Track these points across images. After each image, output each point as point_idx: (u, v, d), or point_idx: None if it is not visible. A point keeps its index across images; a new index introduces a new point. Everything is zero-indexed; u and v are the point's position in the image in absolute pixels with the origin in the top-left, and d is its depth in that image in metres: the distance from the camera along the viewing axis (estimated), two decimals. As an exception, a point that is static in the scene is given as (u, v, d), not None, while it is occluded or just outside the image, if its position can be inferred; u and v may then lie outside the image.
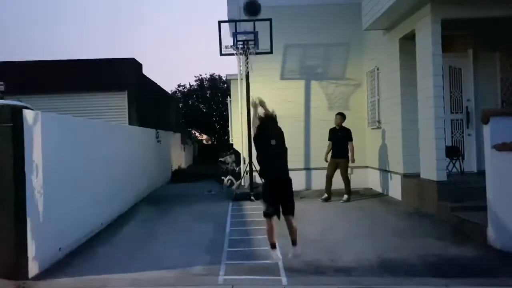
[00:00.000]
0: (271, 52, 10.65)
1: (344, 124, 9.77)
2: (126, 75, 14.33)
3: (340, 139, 9.61)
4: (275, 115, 5.47)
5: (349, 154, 9.56)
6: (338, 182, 9.75)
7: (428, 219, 7.39)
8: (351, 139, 9.64)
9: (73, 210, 6.15)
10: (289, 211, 5.21)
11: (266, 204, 5.18)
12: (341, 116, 9.78)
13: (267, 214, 5.14)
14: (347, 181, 9.63)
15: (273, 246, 5.23)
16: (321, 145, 11.14)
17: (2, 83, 10.44)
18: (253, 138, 5.42)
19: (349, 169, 9.94)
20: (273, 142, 5.23)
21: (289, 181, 5.32)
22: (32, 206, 4.99)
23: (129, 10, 70.51)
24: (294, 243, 5.22)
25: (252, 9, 10.08)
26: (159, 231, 7.19)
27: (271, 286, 4.66)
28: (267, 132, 5.30)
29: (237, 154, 14.01)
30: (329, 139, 9.80)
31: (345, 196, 9.54)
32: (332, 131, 9.83)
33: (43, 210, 5.17)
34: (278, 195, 5.19)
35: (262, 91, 11.36)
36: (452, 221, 6.84)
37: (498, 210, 5.65)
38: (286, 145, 5.47)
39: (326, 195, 9.60)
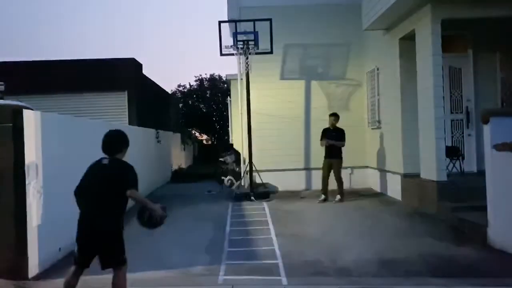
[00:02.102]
0: (271, 52, 10.65)
1: (341, 124, 9.74)
2: (126, 75, 14.33)
3: (334, 139, 9.56)
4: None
5: (331, 142, 9.48)
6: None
7: (428, 219, 7.39)
8: (344, 140, 9.58)
9: (73, 210, 6.12)
10: (109, 260, 3.84)
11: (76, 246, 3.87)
12: (336, 116, 9.75)
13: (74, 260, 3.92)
14: (340, 181, 9.62)
15: None
16: (320, 145, 11.16)
17: (2, 83, 10.43)
18: None
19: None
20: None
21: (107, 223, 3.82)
22: (32, 206, 4.99)
23: (129, 10, 70.52)
24: None
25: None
26: (159, 231, 7.15)
27: (271, 286, 4.66)
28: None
29: (237, 154, 14.01)
30: (321, 139, 9.75)
31: (338, 197, 9.53)
32: (325, 132, 9.79)
33: (43, 210, 5.17)
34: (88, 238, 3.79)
35: (262, 91, 11.42)
36: (452, 221, 6.84)
37: (498, 210, 5.65)
38: None
39: (323, 196, 9.59)
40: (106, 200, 3.72)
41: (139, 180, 3.90)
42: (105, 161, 3.89)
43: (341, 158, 9.61)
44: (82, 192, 3.81)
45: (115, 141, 4.00)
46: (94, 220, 3.70)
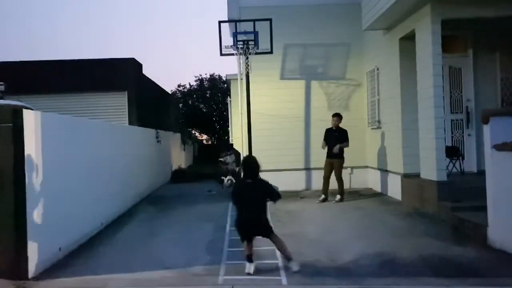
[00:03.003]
0: (271, 52, 10.65)
1: (342, 124, 9.75)
2: (126, 75, 14.35)
3: (336, 139, 9.55)
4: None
5: (338, 147, 9.44)
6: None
7: (428, 219, 7.39)
8: (347, 140, 9.59)
9: (73, 210, 6.15)
10: (263, 233, 5.13)
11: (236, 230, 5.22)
12: (338, 117, 9.74)
13: (241, 238, 5.17)
14: (340, 181, 9.61)
15: (249, 259, 5.07)
16: (320, 145, 11.15)
17: (2, 83, 10.44)
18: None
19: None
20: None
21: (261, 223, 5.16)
22: (32, 206, 4.99)
23: (129, 10, 70.52)
24: (287, 259, 5.02)
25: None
26: (159, 231, 7.19)
27: (271, 286, 4.66)
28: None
29: (237, 154, 14.00)
30: (324, 139, 9.77)
31: (338, 197, 9.53)
32: (328, 131, 9.80)
33: (43, 210, 5.17)
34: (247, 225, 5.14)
35: (262, 91, 11.42)
36: (452, 221, 6.84)
37: (498, 210, 5.64)
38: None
39: (323, 196, 9.59)
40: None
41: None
42: (249, 180, 5.26)
43: (342, 158, 9.61)
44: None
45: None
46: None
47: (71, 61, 14.57)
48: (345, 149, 9.63)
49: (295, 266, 4.89)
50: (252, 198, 5.15)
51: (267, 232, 5.14)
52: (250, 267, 4.96)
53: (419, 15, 8.07)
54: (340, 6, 11.59)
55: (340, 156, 9.56)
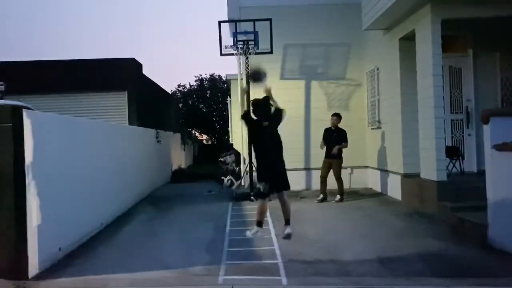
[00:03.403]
0: (271, 52, 10.65)
1: (342, 125, 9.74)
2: (126, 75, 14.33)
3: (335, 139, 9.54)
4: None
5: (337, 148, 9.43)
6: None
7: (428, 219, 7.39)
8: (346, 141, 9.57)
9: (73, 210, 6.15)
10: (283, 187, 5.47)
11: (262, 184, 5.41)
12: (338, 116, 9.73)
13: (262, 194, 5.41)
14: (340, 181, 9.60)
15: (259, 223, 5.41)
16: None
17: (2, 83, 10.43)
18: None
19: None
20: (265, 124, 5.50)
21: (282, 165, 5.55)
22: (32, 206, 4.99)
23: (129, 10, 70.51)
24: (287, 222, 5.36)
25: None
26: (159, 231, 7.19)
27: (271, 286, 4.66)
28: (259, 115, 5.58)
29: (237, 154, 14.01)
30: (323, 139, 9.76)
31: (338, 197, 9.52)
32: (326, 131, 9.79)
33: (43, 210, 5.17)
34: (272, 175, 5.42)
35: (262, 91, 11.40)
36: (452, 221, 6.84)
37: (498, 210, 5.64)
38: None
39: (321, 195, 9.58)
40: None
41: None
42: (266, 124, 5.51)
43: (341, 158, 9.60)
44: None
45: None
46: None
47: (71, 61, 14.55)
48: (344, 149, 9.63)
49: (289, 229, 5.32)
50: (272, 144, 5.39)
51: (287, 183, 5.48)
52: (257, 231, 5.35)
53: (419, 15, 8.06)
54: (340, 6, 11.59)
55: (338, 156, 9.56)
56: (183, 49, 65.17)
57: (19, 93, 12.46)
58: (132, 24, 67.86)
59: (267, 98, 5.64)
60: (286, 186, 5.53)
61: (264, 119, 5.53)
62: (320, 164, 9.97)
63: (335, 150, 9.43)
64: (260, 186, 5.39)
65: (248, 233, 5.60)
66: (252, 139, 5.62)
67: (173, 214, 8.71)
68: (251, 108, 5.70)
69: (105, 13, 68.13)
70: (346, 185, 10.18)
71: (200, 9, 72.92)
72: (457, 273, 4.80)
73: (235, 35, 10.53)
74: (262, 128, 5.48)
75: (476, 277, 4.69)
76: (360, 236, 6.50)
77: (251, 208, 9.00)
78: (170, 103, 21.74)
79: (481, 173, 7.20)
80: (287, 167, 5.76)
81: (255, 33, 10.38)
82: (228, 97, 17.79)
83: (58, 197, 5.66)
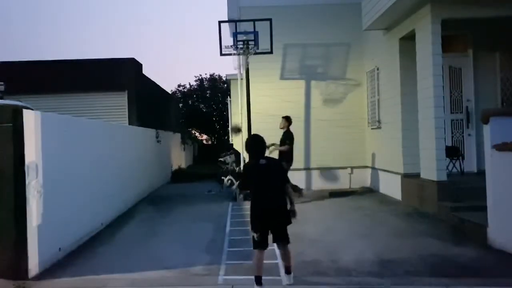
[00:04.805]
0: (271, 52, 10.65)
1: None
2: (126, 75, 14.34)
3: (280, 142, 9.44)
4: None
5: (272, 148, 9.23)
6: (340, 182, 9.71)
7: (428, 219, 7.39)
8: (285, 143, 9.37)
9: (73, 210, 6.15)
10: (281, 239, 4.49)
11: (254, 233, 4.39)
12: (284, 119, 9.60)
13: (257, 244, 4.37)
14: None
15: (258, 280, 4.31)
16: (320, 145, 11.16)
17: (2, 83, 10.44)
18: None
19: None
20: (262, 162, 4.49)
21: (282, 217, 4.48)
22: (32, 206, 4.99)
23: (129, 10, 70.53)
24: (287, 270, 4.54)
25: None
26: (159, 231, 7.19)
27: (271, 286, 4.66)
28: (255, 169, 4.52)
29: (237, 154, 14.00)
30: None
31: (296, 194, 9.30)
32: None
33: (43, 210, 5.17)
34: (268, 223, 4.42)
35: (262, 91, 11.42)
36: (452, 221, 6.84)
37: (498, 210, 5.64)
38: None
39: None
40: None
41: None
42: (263, 162, 4.52)
43: (287, 161, 9.21)
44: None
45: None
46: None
47: (71, 61, 14.56)
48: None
49: (289, 279, 4.49)
50: (270, 183, 4.42)
51: (287, 237, 4.47)
52: None
53: (419, 15, 8.07)
54: (340, 6, 11.59)
55: (284, 160, 9.01)
56: (183, 49, 65.19)
57: (19, 93, 12.47)
58: (132, 24, 67.89)
59: (257, 137, 4.72)
60: (285, 239, 4.51)
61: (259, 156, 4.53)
62: (320, 164, 9.97)
63: (271, 149, 9.09)
64: (253, 235, 4.40)
65: None
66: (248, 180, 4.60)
67: (173, 214, 8.71)
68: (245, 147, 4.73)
69: (105, 13, 68.16)
70: (346, 185, 10.17)
71: (200, 9, 72.95)
72: (457, 273, 4.80)
73: (235, 35, 10.53)
74: (259, 167, 4.48)
75: (476, 277, 4.69)
76: (360, 236, 6.50)
77: (251, 208, 9.00)
78: (170, 103, 21.74)
79: (481, 173, 7.20)
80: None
81: (255, 33, 10.39)
82: (228, 97, 17.79)
83: (58, 197, 5.66)
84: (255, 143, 4.64)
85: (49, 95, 13.89)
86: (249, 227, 4.54)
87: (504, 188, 5.58)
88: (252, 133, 4.90)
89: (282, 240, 4.52)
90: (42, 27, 65.57)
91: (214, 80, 33.12)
